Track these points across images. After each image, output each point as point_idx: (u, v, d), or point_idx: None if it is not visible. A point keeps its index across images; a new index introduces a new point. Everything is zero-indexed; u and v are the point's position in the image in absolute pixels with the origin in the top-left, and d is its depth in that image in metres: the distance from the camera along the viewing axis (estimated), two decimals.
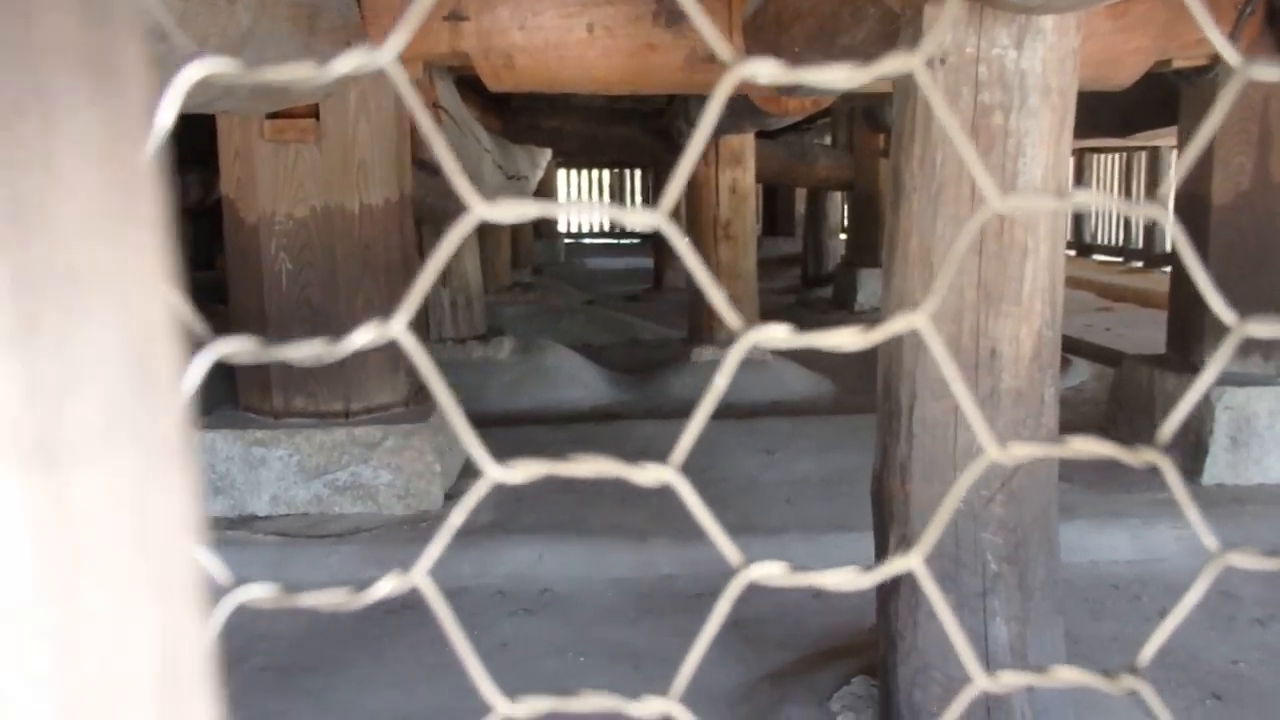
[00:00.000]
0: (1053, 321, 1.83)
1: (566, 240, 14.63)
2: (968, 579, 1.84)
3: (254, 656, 2.69)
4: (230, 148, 3.42)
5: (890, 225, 1.89)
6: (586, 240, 16.01)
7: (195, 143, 5.02)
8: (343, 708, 2.45)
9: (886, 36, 2.14)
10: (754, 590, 2.42)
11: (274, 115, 3.31)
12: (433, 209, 4.60)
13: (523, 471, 0.53)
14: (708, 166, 5.94)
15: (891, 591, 1.94)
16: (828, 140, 9.73)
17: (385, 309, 3.63)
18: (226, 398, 3.74)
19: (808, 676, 2.45)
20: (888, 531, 1.97)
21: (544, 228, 13.03)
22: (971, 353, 1.80)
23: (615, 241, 15.96)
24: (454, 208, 5.30)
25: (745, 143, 5.93)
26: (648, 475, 0.51)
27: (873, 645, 2.51)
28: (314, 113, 3.36)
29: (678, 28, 3.47)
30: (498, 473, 0.51)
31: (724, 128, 5.24)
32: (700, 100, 5.53)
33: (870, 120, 8.18)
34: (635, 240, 15.76)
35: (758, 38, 3.13)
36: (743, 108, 4.16)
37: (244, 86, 2.48)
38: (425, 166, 4.17)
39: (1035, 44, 1.76)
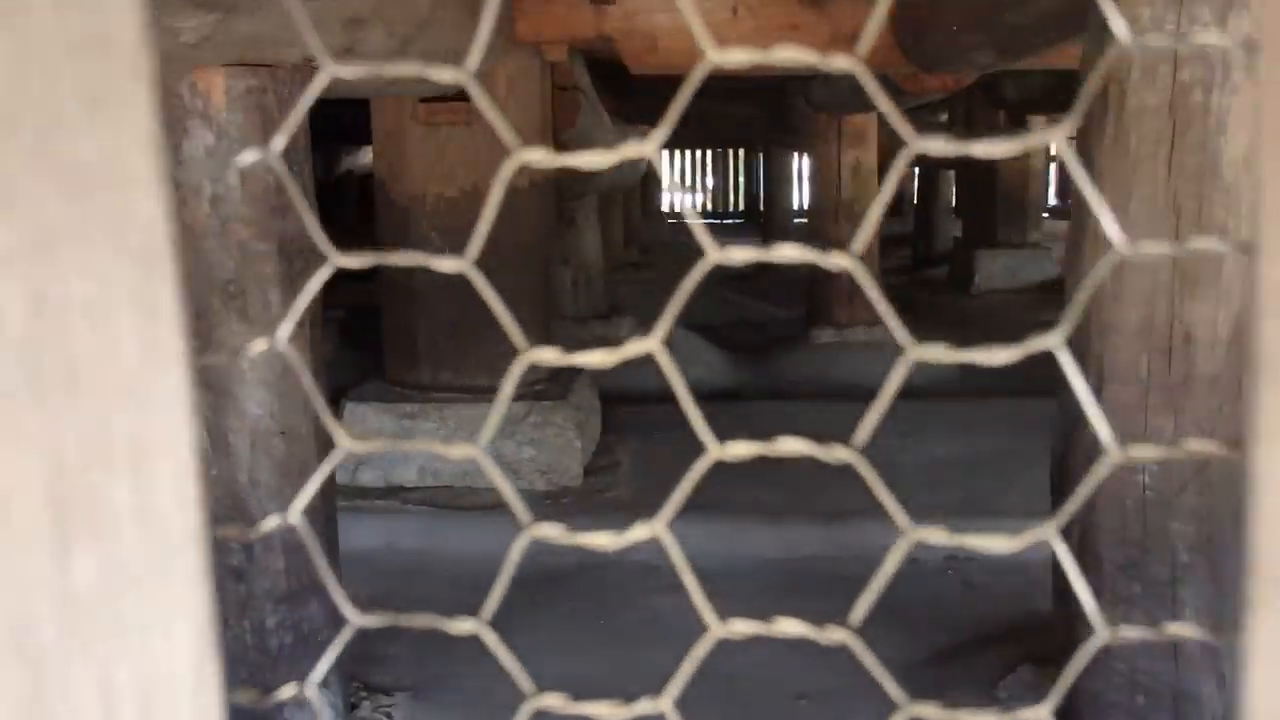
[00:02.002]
0: None
1: (670, 220, 14.65)
2: (1155, 568, 1.83)
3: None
4: (383, 130, 3.51)
5: (1078, 207, 1.87)
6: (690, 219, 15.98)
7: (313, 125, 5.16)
8: (505, 673, 2.52)
9: (1064, 14, 2.11)
10: (904, 578, 2.42)
11: (427, 99, 3.40)
12: (563, 190, 4.66)
13: (736, 450, 0.55)
14: (829, 146, 5.90)
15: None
16: (943, 117, 9.56)
17: (529, 287, 3.70)
18: (375, 370, 3.85)
19: (969, 662, 2.45)
20: (1069, 518, 1.96)
21: (649, 207, 13.07)
22: (1164, 337, 1.78)
23: (719, 221, 15.93)
24: (581, 188, 5.36)
25: (868, 122, 5.87)
26: (833, 455, 0.53)
27: (1035, 633, 2.50)
28: (465, 96, 3.43)
29: (820, 7, 3.46)
30: (718, 451, 0.53)
31: (852, 106, 5.20)
32: (826, 78, 5.49)
33: (990, 96, 8.01)
34: (739, 220, 15.70)
35: (908, 17, 3.11)
36: (879, 86, 4.13)
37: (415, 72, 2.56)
38: (561, 148, 4.23)
39: (1239, 19, 1.72)
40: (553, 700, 0.53)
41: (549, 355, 0.44)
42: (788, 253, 0.50)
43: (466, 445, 0.49)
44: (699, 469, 0.55)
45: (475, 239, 0.44)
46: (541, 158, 0.47)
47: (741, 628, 0.55)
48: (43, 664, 0.35)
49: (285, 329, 0.48)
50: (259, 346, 0.50)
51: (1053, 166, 12.62)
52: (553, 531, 0.49)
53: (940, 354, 0.51)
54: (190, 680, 0.39)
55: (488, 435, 0.48)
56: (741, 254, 0.50)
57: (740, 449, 0.53)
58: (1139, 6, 1.70)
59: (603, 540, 0.51)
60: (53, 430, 0.35)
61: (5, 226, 0.33)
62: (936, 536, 0.54)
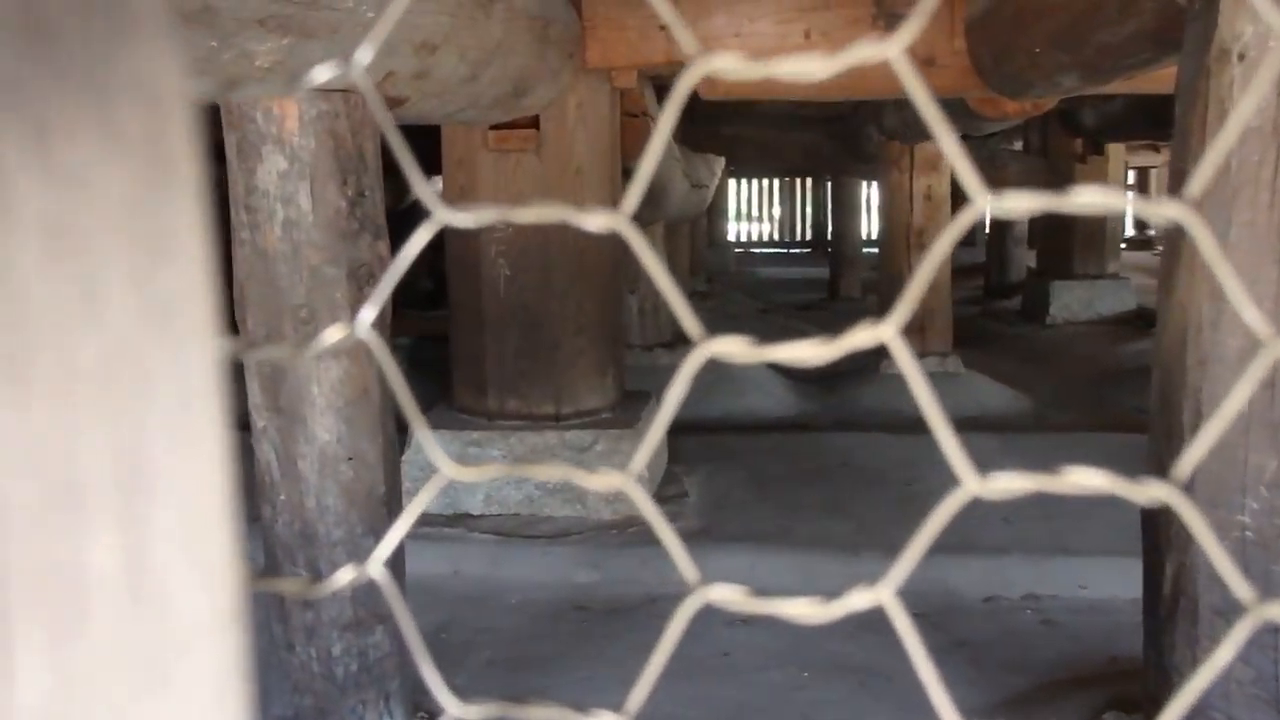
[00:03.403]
0: None
1: (736, 249, 14.60)
2: None
3: (481, 649, 2.75)
4: (454, 157, 3.53)
5: (1173, 232, 1.79)
6: (756, 249, 15.95)
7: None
8: (572, 706, 2.48)
9: (1159, 32, 2.04)
10: (978, 613, 2.34)
11: (497, 126, 3.40)
12: (636, 217, 4.64)
13: (1001, 483, 0.50)
14: (902, 173, 5.83)
15: (1166, 623, 1.84)
16: (1017, 145, 9.41)
17: (597, 314, 3.68)
18: (442, 398, 3.85)
19: (1049, 706, 2.35)
20: (1163, 558, 1.87)
21: (715, 236, 13.05)
22: (1268, 368, 1.68)
23: (785, 251, 15.84)
24: (649, 216, 5.35)
25: (940, 150, 5.78)
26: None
27: (1120, 677, 2.40)
28: (535, 123, 3.43)
29: (895, 31, 3.40)
30: (975, 485, 0.48)
31: (925, 133, 5.12)
32: (896, 105, 5.42)
33: (1067, 123, 7.87)
34: (806, 249, 15.60)
35: (986, 38, 3.04)
36: (955, 111, 4.05)
37: (486, 97, 2.56)
38: (630, 174, 4.21)
39: None
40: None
41: (732, 347, 0.40)
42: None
43: (612, 473, 0.44)
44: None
45: (631, 193, 0.40)
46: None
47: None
48: None
49: (369, 312, 0.45)
50: (336, 334, 0.45)
51: (1131, 195, 12.33)
52: (727, 593, 0.44)
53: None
54: None
55: (640, 461, 0.44)
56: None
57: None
58: (1241, 24, 1.63)
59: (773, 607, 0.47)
60: None
61: None
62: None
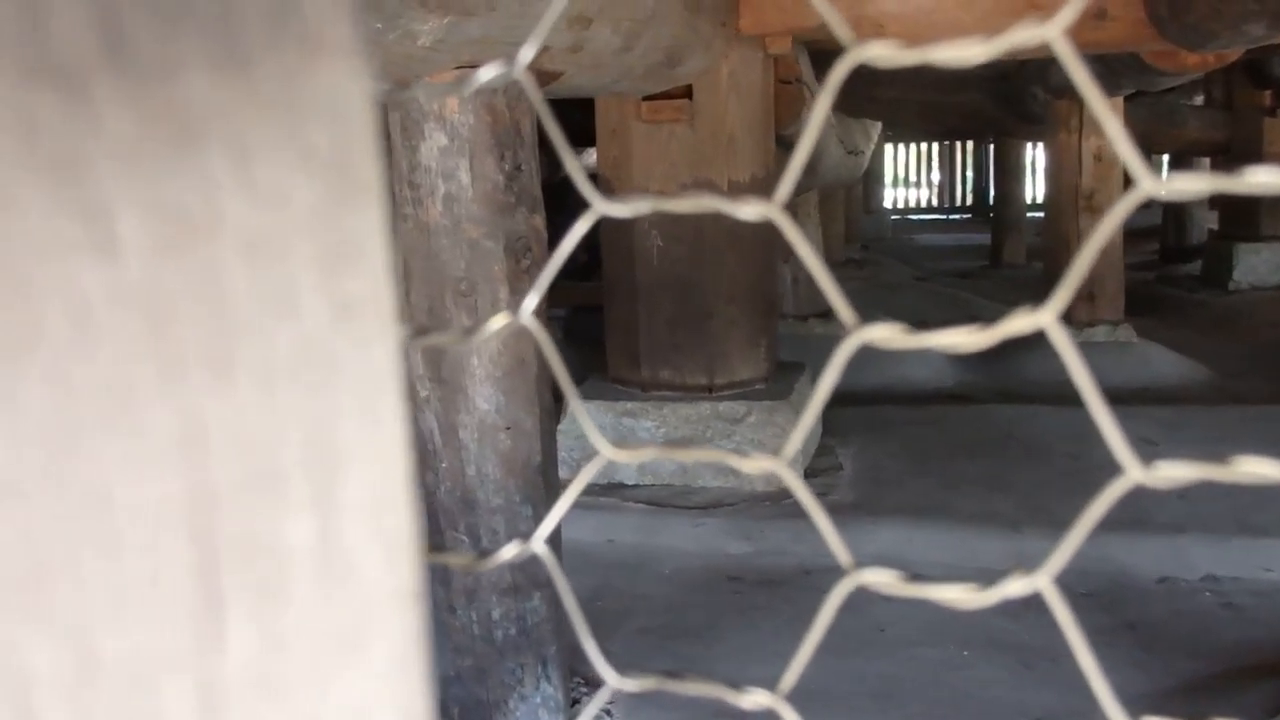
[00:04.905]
0: None
1: (893, 216, 14.27)
2: None
3: (635, 617, 2.79)
4: (607, 128, 3.55)
5: None
6: (913, 216, 15.54)
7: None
8: (725, 677, 2.49)
9: None
10: (1152, 595, 2.22)
11: (650, 97, 3.40)
12: None
13: (1170, 471, 0.46)
14: (1070, 134, 5.57)
15: None
16: (1198, 100, 8.87)
17: (749, 283, 3.66)
18: (597, 369, 3.90)
19: (1231, 694, 2.23)
20: None
21: (871, 203, 12.78)
22: None
23: (944, 217, 15.39)
24: (803, 184, 5.27)
25: (1114, 106, 5.50)
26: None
27: None
28: (688, 93, 3.42)
29: None
30: (1139, 474, 0.45)
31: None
32: (1060, 63, 5.17)
33: (1255, 75, 7.36)
34: (965, 215, 15.12)
35: None
36: (1127, 65, 3.85)
37: (639, 68, 2.56)
38: (782, 142, 4.16)
39: None
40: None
41: (885, 333, 0.39)
42: None
43: (765, 457, 0.44)
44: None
45: (789, 176, 0.40)
46: None
47: None
48: None
49: (531, 301, 0.45)
50: (499, 321, 0.47)
51: None
52: (881, 576, 0.43)
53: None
54: None
55: (794, 445, 0.44)
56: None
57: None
58: None
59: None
60: (192, 429, 0.27)
61: None
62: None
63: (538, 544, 0.48)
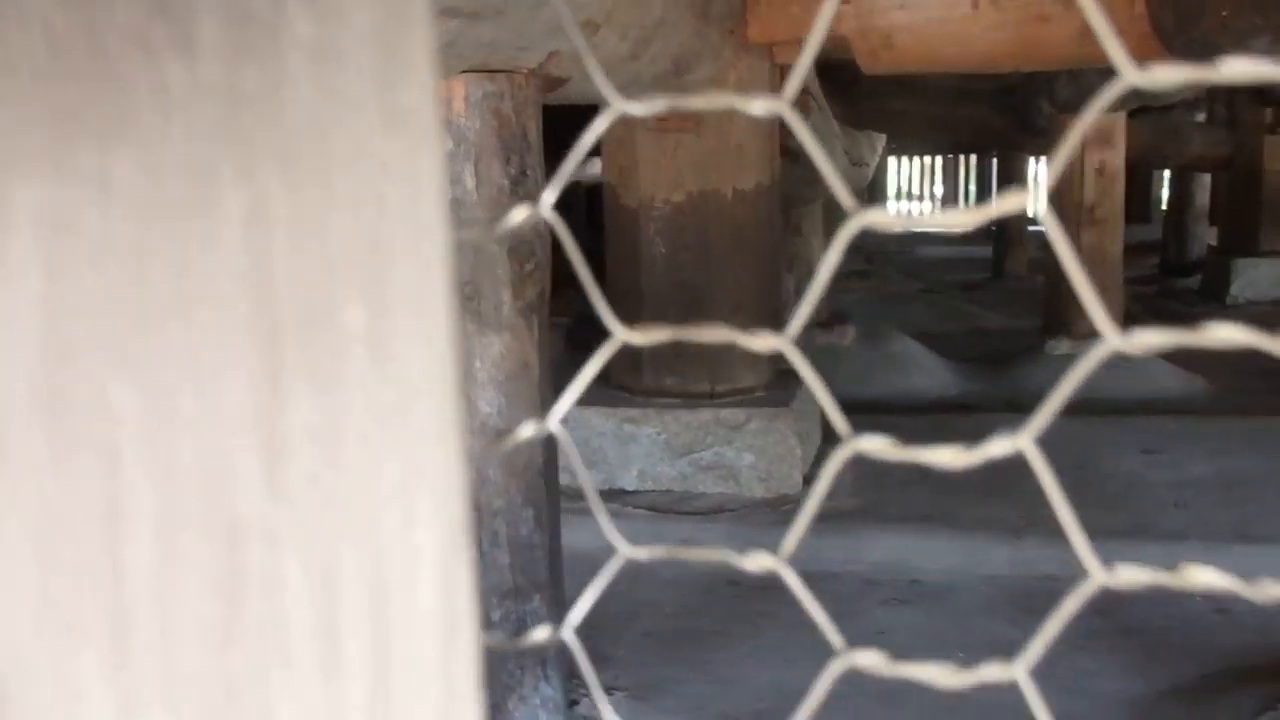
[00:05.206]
0: None
1: (896, 229, 14.27)
2: None
3: (639, 621, 2.80)
4: (614, 136, 3.57)
5: None
6: (916, 228, 15.52)
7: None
8: (730, 681, 2.50)
9: None
10: (1147, 599, 2.23)
11: None
12: (789, 196, 4.61)
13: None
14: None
15: None
16: (1200, 117, 8.90)
17: (754, 290, 3.68)
18: (599, 376, 3.92)
19: (1222, 696, 2.25)
20: None
21: None
22: None
23: (947, 231, 15.40)
24: (808, 195, 5.30)
25: (1115, 121, 5.53)
26: None
27: None
28: None
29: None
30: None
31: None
32: (1069, 75, 5.21)
33: (1257, 93, 7.39)
34: (969, 229, 15.13)
35: (1169, 1, 2.89)
36: None
37: (647, 75, 2.58)
38: (787, 153, 4.18)
39: None
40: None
41: (876, 445, 0.41)
42: None
43: (764, 555, 0.46)
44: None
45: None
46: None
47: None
48: (243, 544, 0.31)
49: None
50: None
51: None
52: (871, 660, 0.45)
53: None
54: (433, 569, 0.34)
55: (791, 543, 0.46)
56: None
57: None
58: None
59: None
60: (258, 212, 0.31)
61: None
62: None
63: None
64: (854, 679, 1.97)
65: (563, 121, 3.77)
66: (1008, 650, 2.05)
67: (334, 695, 0.33)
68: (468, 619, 0.36)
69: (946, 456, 0.41)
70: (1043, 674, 1.72)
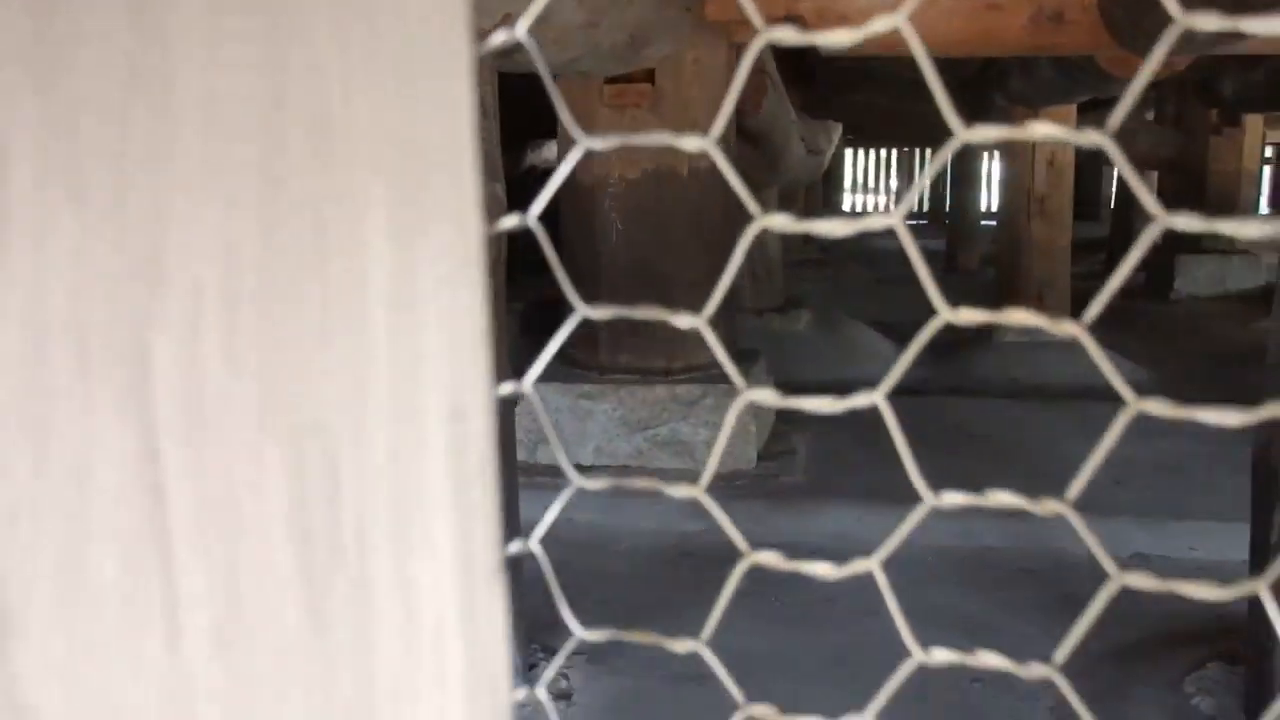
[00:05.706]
0: None
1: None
2: None
3: (594, 592, 2.84)
4: (571, 113, 3.60)
5: None
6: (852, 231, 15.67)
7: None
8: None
9: None
10: (1086, 571, 2.33)
11: (612, 80, 3.46)
12: (751, 181, 4.66)
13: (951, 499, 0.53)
14: (1025, 140, 5.70)
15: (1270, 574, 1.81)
16: (1148, 115, 9.08)
17: (709, 268, 3.73)
18: (554, 358, 3.95)
19: (1155, 658, 2.34)
20: (1271, 508, 1.84)
21: (831, 206, 12.94)
22: None
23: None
24: (764, 179, 5.35)
25: (1068, 114, 5.64)
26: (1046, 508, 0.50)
27: (1227, 632, 2.37)
28: (650, 78, 3.48)
29: None
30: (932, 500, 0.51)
31: (1054, 96, 5.01)
32: (1024, 68, 5.31)
33: (1204, 93, 7.56)
34: (922, 221, 15.33)
35: None
36: (1085, 72, 3.96)
37: (604, 46, 2.61)
38: (744, 134, 4.23)
39: None
40: (762, 711, 0.52)
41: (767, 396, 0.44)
42: None
43: (687, 485, 0.50)
44: None
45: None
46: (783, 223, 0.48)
47: (941, 657, 0.52)
48: None
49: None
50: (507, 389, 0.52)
51: (1267, 169, 11.81)
52: (771, 558, 0.50)
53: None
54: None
55: (709, 472, 0.50)
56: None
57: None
58: None
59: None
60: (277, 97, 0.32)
61: None
62: (1142, 583, 0.48)
63: (534, 543, 0.54)
64: (810, 644, 2.02)
65: (514, 115, 3.79)
66: (951, 616, 2.14)
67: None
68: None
69: (822, 404, 0.46)
70: (987, 638, 1.82)
